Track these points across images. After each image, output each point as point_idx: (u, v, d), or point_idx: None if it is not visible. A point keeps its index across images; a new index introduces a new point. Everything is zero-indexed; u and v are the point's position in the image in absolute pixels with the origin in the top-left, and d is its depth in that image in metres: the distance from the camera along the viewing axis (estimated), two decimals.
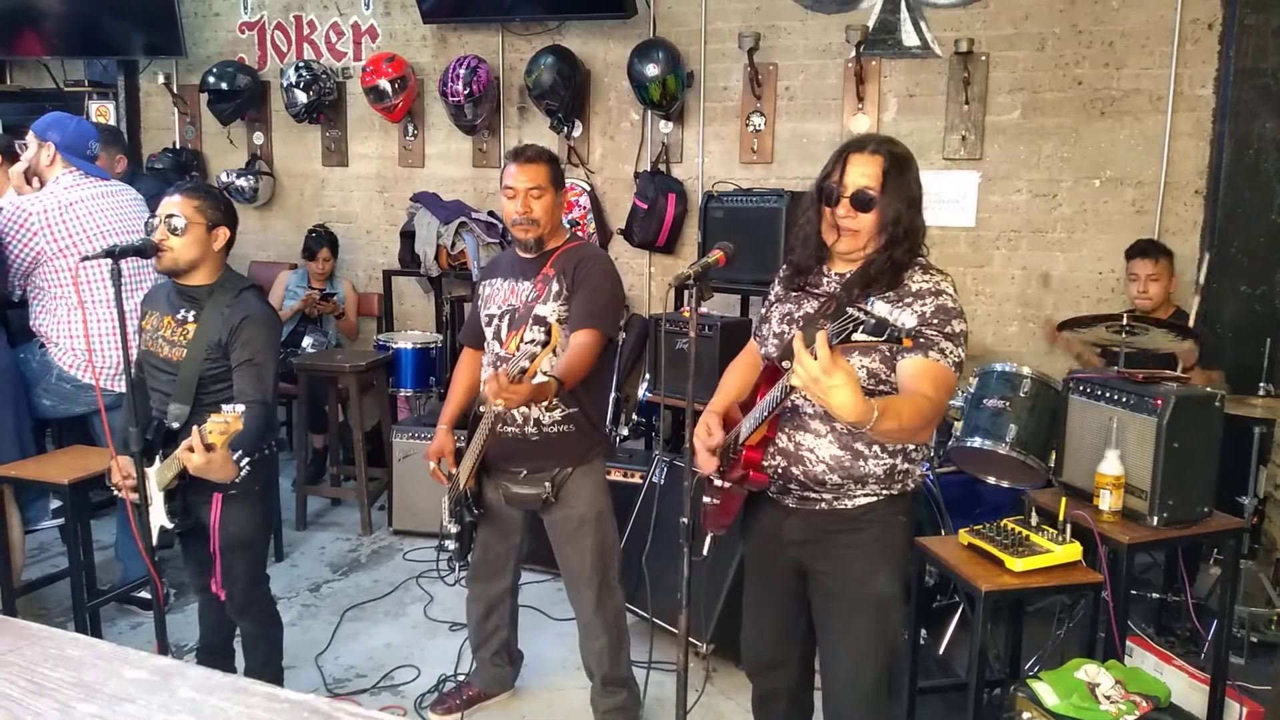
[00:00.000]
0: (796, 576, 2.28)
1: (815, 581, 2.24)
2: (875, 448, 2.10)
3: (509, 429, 2.76)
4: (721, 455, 2.23)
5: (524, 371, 2.30)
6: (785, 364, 1.78)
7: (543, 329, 2.38)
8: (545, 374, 2.47)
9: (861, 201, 2.08)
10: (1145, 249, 4.05)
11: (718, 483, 2.26)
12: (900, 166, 2.09)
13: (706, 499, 2.30)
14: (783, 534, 2.24)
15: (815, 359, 1.64)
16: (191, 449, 2.32)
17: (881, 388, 2.08)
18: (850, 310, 1.63)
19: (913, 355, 1.99)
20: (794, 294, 2.26)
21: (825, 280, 2.21)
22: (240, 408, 2.32)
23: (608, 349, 2.78)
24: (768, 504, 2.26)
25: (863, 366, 2.05)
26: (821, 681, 2.33)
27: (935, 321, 2.01)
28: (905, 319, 1.59)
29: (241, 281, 2.76)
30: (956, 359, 2.02)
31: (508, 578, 3.09)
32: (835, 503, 2.15)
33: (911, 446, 2.16)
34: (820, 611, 2.25)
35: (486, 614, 3.12)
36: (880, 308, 1.61)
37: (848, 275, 2.15)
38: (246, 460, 2.53)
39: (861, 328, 1.61)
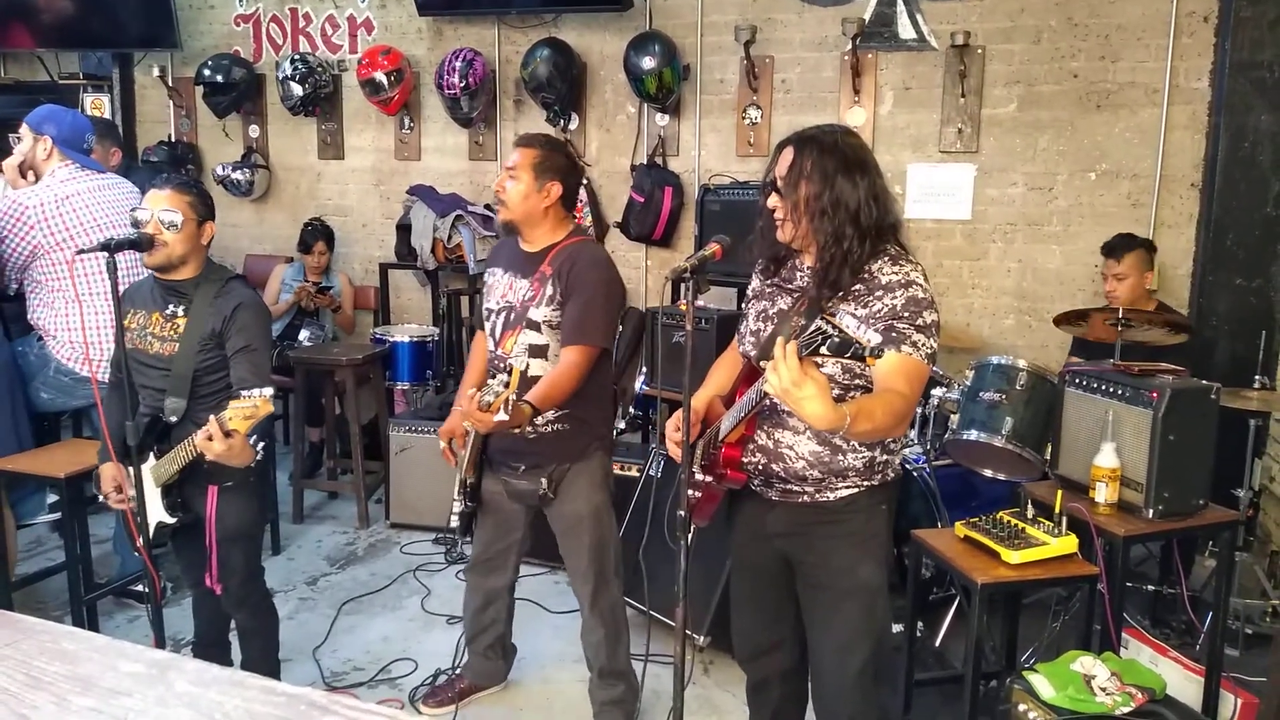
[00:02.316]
0: (782, 566, 2.30)
1: (801, 573, 2.26)
2: (853, 442, 2.12)
3: None
4: (702, 450, 2.25)
5: (489, 406, 2.33)
6: (763, 364, 1.80)
7: (507, 372, 2.41)
8: (522, 401, 2.46)
9: (775, 189, 2.13)
10: (1112, 247, 4.00)
11: (699, 476, 2.27)
12: (814, 150, 2.08)
13: (689, 491, 2.31)
14: (767, 526, 2.26)
15: (787, 369, 1.67)
16: (210, 437, 2.31)
17: (857, 381, 2.09)
18: (818, 323, 1.66)
19: (886, 351, 1.99)
20: (769, 289, 2.28)
21: (799, 275, 2.22)
22: (269, 391, 2.31)
23: (604, 355, 2.75)
24: (751, 497, 2.27)
25: (837, 362, 2.05)
26: (810, 670, 2.36)
27: (906, 314, 2.02)
28: (871, 336, 1.63)
29: (225, 272, 2.76)
30: (929, 350, 2.04)
31: (507, 574, 3.09)
32: (817, 495, 2.17)
33: (892, 438, 2.18)
34: (807, 602, 2.28)
35: (483, 607, 3.12)
36: (848, 321, 1.64)
37: (817, 268, 2.16)
38: (261, 444, 2.53)
39: (827, 344, 1.65)
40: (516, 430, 2.62)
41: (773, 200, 2.14)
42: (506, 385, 2.36)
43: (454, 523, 2.97)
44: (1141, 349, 3.53)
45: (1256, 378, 3.56)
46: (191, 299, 2.65)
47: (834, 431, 1.80)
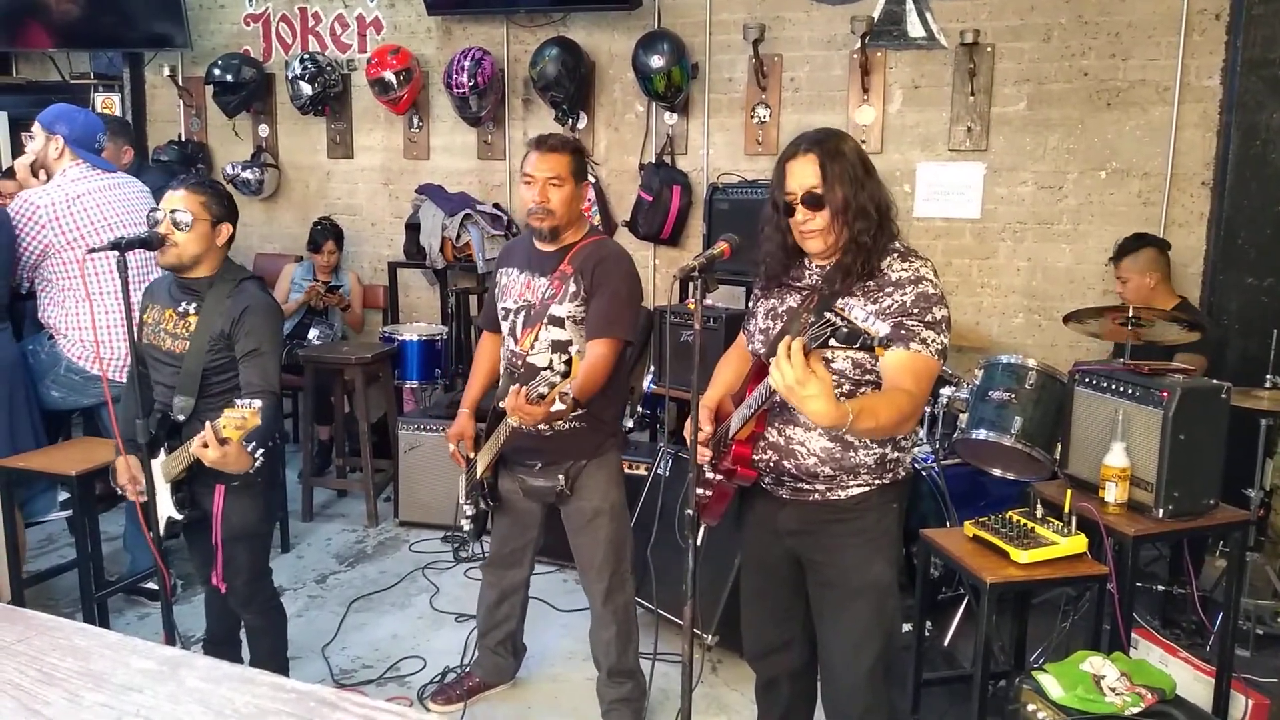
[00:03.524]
0: (793, 565, 2.30)
1: (811, 571, 2.26)
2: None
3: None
4: (714, 448, 2.25)
5: (542, 397, 2.39)
6: (771, 360, 1.81)
7: (564, 359, 2.47)
8: (562, 394, 2.49)
9: (812, 201, 2.09)
10: (1119, 251, 4.08)
11: (709, 475, 2.27)
12: (833, 155, 2.08)
13: (700, 490, 2.31)
14: (778, 524, 2.27)
15: (791, 366, 1.69)
16: (205, 444, 2.32)
17: (867, 378, 2.10)
18: (827, 315, 1.67)
19: (895, 347, 1.99)
20: (777, 288, 2.28)
21: (807, 273, 2.22)
22: (258, 403, 2.32)
23: (624, 349, 2.78)
24: (762, 495, 2.28)
25: (847, 357, 2.07)
26: (820, 668, 2.36)
27: (916, 311, 2.02)
28: (879, 327, 1.63)
29: (241, 272, 2.77)
30: (939, 347, 2.04)
31: (524, 570, 3.11)
32: (829, 494, 2.17)
33: (900, 435, 2.17)
34: (817, 600, 2.28)
35: (498, 602, 3.13)
36: (857, 313, 1.65)
37: (827, 267, 2.16)
38: (261, 450, 2.53)
39: (836, 335, 1.65)
40: (544, 428, 2.67)
41: (803, 214, 2.10)
42: (566, 375, 2.41)
43: (466, 526, 2.99)
44: (1159, 348, 3.52)
45: (1268, 377, 3.54)
46: (204, 298, 2.66)
47: (837, 429, 1.81)
